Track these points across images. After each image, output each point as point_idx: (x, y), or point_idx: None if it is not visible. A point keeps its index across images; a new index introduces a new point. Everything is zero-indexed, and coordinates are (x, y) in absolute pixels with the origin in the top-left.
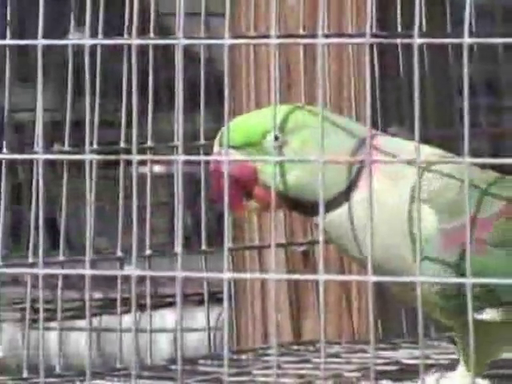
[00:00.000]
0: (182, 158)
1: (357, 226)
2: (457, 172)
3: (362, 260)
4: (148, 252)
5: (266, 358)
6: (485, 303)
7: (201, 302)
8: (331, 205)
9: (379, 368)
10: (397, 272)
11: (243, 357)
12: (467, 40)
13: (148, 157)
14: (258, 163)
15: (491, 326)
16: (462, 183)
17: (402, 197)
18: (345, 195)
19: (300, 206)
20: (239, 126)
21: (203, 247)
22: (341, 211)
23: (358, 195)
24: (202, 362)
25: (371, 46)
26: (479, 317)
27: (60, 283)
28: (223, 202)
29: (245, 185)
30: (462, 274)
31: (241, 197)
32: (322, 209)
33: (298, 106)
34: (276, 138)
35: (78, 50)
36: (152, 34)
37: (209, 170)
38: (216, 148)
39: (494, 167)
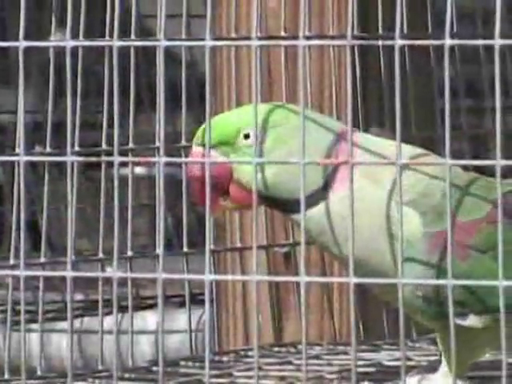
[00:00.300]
0: (163, 159)
1: (335, 224)
2: (441, 174)
3: (343, 258)
4: (129, 253)
5: (247, 360)
6: (468, 309)
7: (182, 304)
8: (308, 202)
9: (360, 370)
10: (379, 273)
11: (224, 358)
12: (448, 42)
13: (129, 159)
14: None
15: (473, 331)
16: (451, 186)
17: (383, 197)
18: (322, 192)
19: (277, 203)
20: (214, 125)
21: (185, 249)
22: (319, 208)
23: (336, 193)
24: (183, 363)
25: (352, 47)
26: (461, 323)
27: (41, 285)
28: (200, 201)
29: (221, 183)
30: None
31: (217, 196)
32: (303, 212)
33: (276, 104)
34: (248, 137)
35: (60, 52)
36: (133, 36)
37: (187, 170)
38: (193, 147)
39: (475, 169)
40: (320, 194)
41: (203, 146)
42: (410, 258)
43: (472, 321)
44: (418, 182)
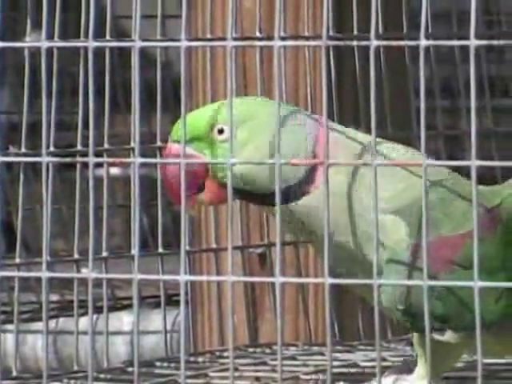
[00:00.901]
0: (139, 160)
1: (317, 219)
2: (432, 182)
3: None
4: (105, 254)
5: (222, 361)
6: (446, 325)
7: (157, 305)
8: (290, 195)
9: (336, 370)
10: (361, 274)
11: (200, 359)
12: (423, 42)
13: (105, 159)
14: (207, 156)
15: (450, 344)
16: (436, 196)
17: (363, 201)
18: (304, 185)
19: (254, 197)
20: (188, 121)
21: (160, 249)
22: (302, 202)
23: (316, 188)
24: (158, 364)
25: (327, 48)
26: (439, 337)
27: (17, 285)
28: (175, 199)
29: (196, 179)
30: (431, 294)
31: (193, 192)
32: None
33: (249, 98)
34: (221, 131)
35: (35, 53)
36: (109, 37)
37: (161, 167)
38: (169, 143)
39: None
40: (302, 187)
41: (178, 142)
42: (394, 267)
43: (449, 336)
44: (406, 190)
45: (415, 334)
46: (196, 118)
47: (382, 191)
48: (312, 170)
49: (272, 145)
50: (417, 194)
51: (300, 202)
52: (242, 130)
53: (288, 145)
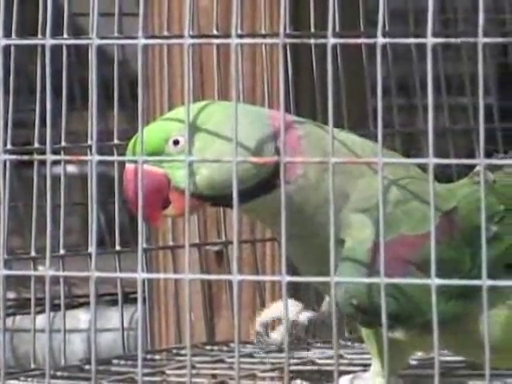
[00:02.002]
0: (96, 158)
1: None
2: (399, 181)
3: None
4: (62, 252)
5: (179, 358)
6: (396, 322)
7: (114, 302)
8: (260, 190)
9: (293, 368)
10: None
11: (157, 357)
12: (380, 40)
13: (62, 157)
14: (167, 169)
15: (400, 341)
16: (399, 194)
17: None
18: (274, 178)
19: (221, 200)
20: (144, 136)
21: (117, 247)
22: (271, 196)
23: (291, 180)
24: (115, 362)
25: (285, 45)
26: (389, 334)
27: None
28: (143, 215)
29: (160, 194)
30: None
31: (157, 206)
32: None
33: (199, 103)
34: (177, 143)
35: None
36: (66, 35)
37: (123, 177)
38: (126, 165)
39: None
40: (272, 181)
41: (134, 162)
42: (353, 266)
43: (398, 334)
44: (374, 189)
45: (366, 333)
46: (148, 135)
47: (353, 193)
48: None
49: (232, 145)
50: (384, 192)
51: (270, 196)
52: (197, 137)
53: (249, 142)
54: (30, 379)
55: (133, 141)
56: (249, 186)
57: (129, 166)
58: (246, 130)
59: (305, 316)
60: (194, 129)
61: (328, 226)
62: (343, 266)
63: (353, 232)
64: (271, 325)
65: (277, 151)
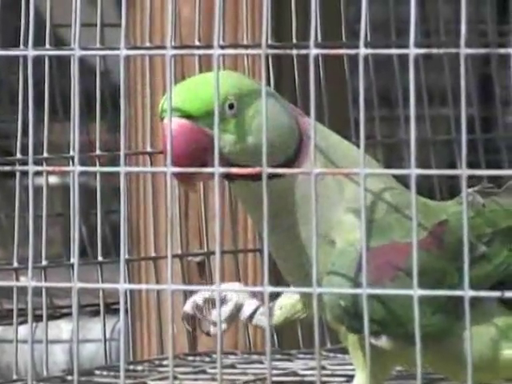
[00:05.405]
0: (78, 169)
1: (296, 197)
2: (385, 189)
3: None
4: (44, 263)
5: (161, 369)
6: (382, 330)
7: (96, 313)
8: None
9: (275, 379)
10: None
11: (139, 367)
12: (363, 51)
13: (44, 168)
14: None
15: (384, 351)
16: (391, 201)
17: (329, 198)
18: (289, 163)
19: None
20: (196, 93)
21: (99, 258)
22: (283, 180)
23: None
24: (98, 372)
25: (267, 56)
26: (374, 342)
27: None
28: (181, 177)
29: (202, 154)
30: (372, 297)
31: (196, 166)
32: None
33: (243, 75)
34: (232, 107)
35: None
36: (48, 46)
37: (163, 138)
38: (166, 120)
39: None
40: (288, 165)
41: (184, 116)
42: (341, 267)
43: (384, 343)
44: (370, 190)
45: (351, 341)
46: (205, 94)
47: (347, 192)
48: (298, 150)
49: (269, 122)
50: (375, 198)
51: (282, 180)
52: (250, 106)
53: (282, 125)
54: None
55: (179, 95)
56: (275, 163)
57: (178, 122)
58: (280, 111)
59: (252, 303)
60: (246, 96)
61: (319, 222)
62: (333, 269)
63: (343, 234)
64: (209, 303)
65: (299, 135)
